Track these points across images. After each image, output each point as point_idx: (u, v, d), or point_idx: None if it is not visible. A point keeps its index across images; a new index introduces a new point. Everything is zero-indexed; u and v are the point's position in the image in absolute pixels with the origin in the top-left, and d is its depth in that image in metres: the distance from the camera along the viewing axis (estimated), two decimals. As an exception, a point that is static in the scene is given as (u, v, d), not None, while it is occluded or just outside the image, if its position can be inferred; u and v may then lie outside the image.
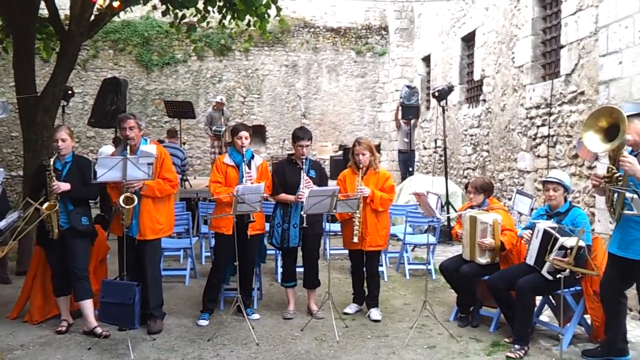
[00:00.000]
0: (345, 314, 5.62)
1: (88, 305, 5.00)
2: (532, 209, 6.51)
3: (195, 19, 9.28)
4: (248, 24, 8.99)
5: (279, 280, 6.31)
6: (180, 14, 8.95)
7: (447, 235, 8.40)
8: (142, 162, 4.69)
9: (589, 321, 4.92)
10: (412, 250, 8.16)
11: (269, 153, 14.93)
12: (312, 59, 15.55)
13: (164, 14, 8.96)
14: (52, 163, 4.84)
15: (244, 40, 14.63)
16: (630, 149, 4.13)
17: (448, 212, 9.03)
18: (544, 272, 4.60)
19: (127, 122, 4.96)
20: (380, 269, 6.60)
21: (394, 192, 5.71)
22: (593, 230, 5.76)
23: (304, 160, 5.49)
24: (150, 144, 5.28)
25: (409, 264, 7.33)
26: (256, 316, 5.51)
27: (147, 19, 14.83)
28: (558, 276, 4.13)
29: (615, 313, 4.40)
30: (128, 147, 4.96)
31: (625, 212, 3.96)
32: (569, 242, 4.32)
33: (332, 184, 5.81)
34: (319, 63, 15.59)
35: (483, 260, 5.20)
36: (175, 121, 12.93)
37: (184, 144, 12.77)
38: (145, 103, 14.88)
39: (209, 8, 8.81)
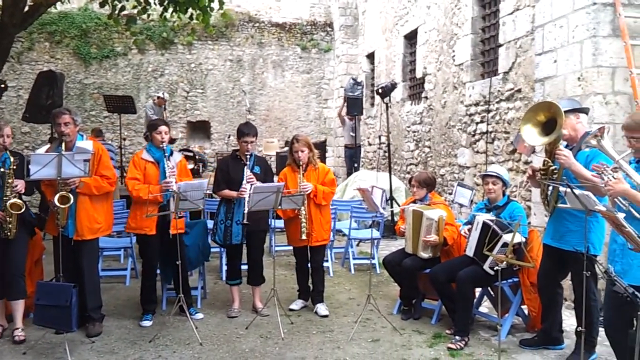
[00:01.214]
0: (291, 310, 5.62)
1: (19, 307, 4.82)
2: (471, 201, 6.69)
3: (135, 11, 8.99)
4: (190, 17, 8.78)
5: (224, 278, 6.23)
6: (119, 5, 8.64)
7: (390, 230, 8.52)
8: (77, 159, 4.52)
9: (526, 311, 5.10)
10: (357, 245, 8.23)
11: (214, 149, 14.71)
12: (257, 54, 15.40)
13: (102, 5, 8.65)
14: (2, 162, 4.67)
15: (187, 33, 14.35)
16: (565, 143, 4.30)
17: (392, 207, 9.16)
18: (486, 267, 4.72)
19: (62, 117, 4.80)
20: (326, 264, 6.63)
21: (334, 185, 5.77)
22: (529, 223, 5.96)
23: (248, 157, 5.44)
24: (87, 139, 5.11)
25: (354, 258, 7.39)
26: (200, 315, 5.42)
27: (85, 11, 14.31)
28: (496, 268, 4.25)
29: (552, 303, 4.57)
30: (63, 144, 4.79)
31: (560, 205, 4.11)
32: (510, 237, 4.44)
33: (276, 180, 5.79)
34: (264, 58, 15.46)
35: (425, 254, 5.29)
36: (115, 116, 12.57)
37: (125, 139, 12.40)
38: (83, 97, 14.37)
39: (150, 0, 8.56)
